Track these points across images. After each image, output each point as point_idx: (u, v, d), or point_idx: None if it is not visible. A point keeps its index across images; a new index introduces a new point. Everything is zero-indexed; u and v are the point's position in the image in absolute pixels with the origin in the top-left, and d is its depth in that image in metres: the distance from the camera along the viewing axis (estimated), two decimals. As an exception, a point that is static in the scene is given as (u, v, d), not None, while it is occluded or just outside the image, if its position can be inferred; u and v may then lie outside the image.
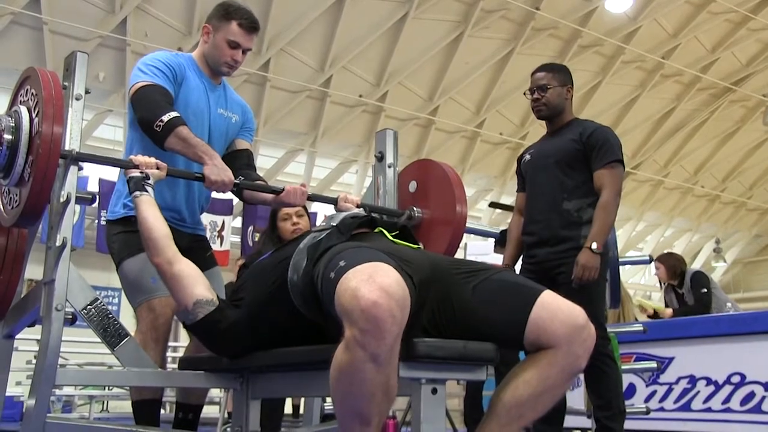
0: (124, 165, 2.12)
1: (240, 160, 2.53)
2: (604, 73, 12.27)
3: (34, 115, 1.74)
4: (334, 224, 1.77)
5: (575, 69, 12.83)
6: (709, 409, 4.15)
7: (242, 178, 2.34)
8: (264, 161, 11.49)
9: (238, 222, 11.02)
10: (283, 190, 2.40)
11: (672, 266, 5.58)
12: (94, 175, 8.40)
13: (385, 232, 1.83)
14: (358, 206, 2.40)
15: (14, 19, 8.61)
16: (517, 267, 3.21)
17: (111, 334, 2.01)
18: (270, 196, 2.46)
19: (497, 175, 13.23)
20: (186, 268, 1.92)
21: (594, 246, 2.81)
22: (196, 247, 2.46)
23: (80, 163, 1.94)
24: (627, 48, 11.73)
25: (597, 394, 2.92)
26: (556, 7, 10.74)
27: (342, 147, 11.97)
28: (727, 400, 4.08)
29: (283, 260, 1.76)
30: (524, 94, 3.20)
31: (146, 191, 2.04)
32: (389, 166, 2.55)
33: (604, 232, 2.85)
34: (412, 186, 2.55)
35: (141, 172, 2.06)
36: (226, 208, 10.88)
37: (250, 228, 10.55)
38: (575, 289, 2.77)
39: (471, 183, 13.20)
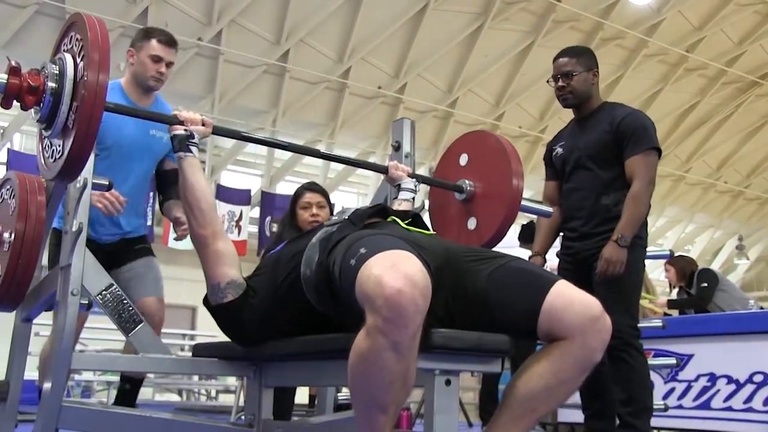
0: (166, 120, 1.98)
1: (169, 179, 2.86)
2: (626, 67, 12.14)
3: (79, 61, 1.66)
4: (346, 217, 1.76)
5: (597, 61, 12.59)
6: (729, 408, 4.09)
7: None
8: (282, 152, 11.50)
9: (255, 212, 11.06)
10: None
11: (681, 268, 5.57)
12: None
13: (398, 220, 1.82)
14: (410, 175, 2.32)
15: (39, 9, 8.69)
16: (549, 256, 3.13)
17: (125, 319, 2.01)
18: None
19: (516, 168, 13.13)
20: (227, 246, 1.85)
21: (621, 239, 2.70)
22: (123, 245, 2.82)
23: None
24: (650, 41, 11.59)
25: (621, 387, 2.76)
26: (578, -1, 10.65)
27: (360, 138, 11.96)
28: (749, 399, 4.02)
29: (297, 254, 1.76)
30: (547, 81, 3.04)
31: (191, 152, 1.89)
32: (406, 156, 2.51)
33: (632, 224, 2.73)
34: (464, 159, 2.41)
35: (185, 129, 1.91)
36: (243, 198, 10.93)
37: (268, 218, 10.59)
38: (610, 278, 2.68)
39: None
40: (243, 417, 2.15)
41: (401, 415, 3.68)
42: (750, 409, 4.00)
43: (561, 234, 3.11)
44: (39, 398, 2.10)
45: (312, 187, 3.31)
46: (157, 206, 3.15)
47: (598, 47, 11.52)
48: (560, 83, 2.94)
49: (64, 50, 1.77)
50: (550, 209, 2.80)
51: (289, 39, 9.96)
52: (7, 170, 8.36)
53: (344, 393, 3.19)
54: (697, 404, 4.27)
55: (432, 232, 1.85)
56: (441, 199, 2.47)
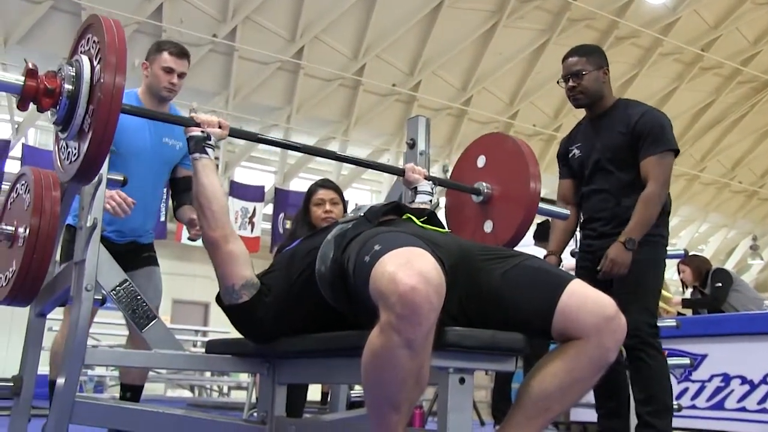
0: (183, 122, 1.99)
1: (181, 186, 2.96)
2: (641, 65, 12.07)
3: (95, 64, 1.66)
4: (361, 214, 1.76)
5: (611, 61, 12.64)
6: (743, 409, 4.06)
7: None
8: (296, 149, 11.52)
9: (269, 209, 11.08)
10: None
11: (697, 267, 5.53)
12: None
13: (413, 217, 1.81)
14: (426, 178, 2.30)
15: (54, 5, 8.75)
16: (564, 255, 3.09)
17: (139, 315, 2.01)
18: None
19: (530, 166, 13.09)
20: (239, 247, 1.84)
21: (629, 241, 2.65)
22: (132, 249, 2.88)
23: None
24: (665, 40, 11.51)
25: (640, 387, 2.71)
26: (593, -3, 10.59)
27: (374, 136, 11.95)
28: (763, 400, 3.99)
29: (311, 251, 1.75)
30: (558, 82, 2.99)
31: (206, 154, 1.89)
32: (420, 154, 2.50)
33: (642, 227, 2.68)
34: (481, 161, 2.40)
35: (202, 131, 1.91)
36: (257, 195, 10.96)
37: (281, 215, 10.61)
38: (627, 276, 2.65)
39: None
40: (255, 414, 2.15)
41: (414, 413, 3.67)
42: (764, 410, 3.97)
43: (576, 233, 3.08)
44: (50, 392, 2.10)
45: (325, 183, 3.31)
46: (170, 203, 3.18)
47: (613, 46, 11.47)
48: (570, 83, 2.89)
49: (81, 52, 1.77)
50: (566, 211, 2.78)
51: (303, 36, 9.97)
52: (21, 165, 8.42)
53: (357, 390, 3.19)
54: (710, 404, 4.24)
55: (447, 230, 1.85)
56: (457, 201, 2.46)
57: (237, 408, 6.86)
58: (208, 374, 8.34)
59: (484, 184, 2.34)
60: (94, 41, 1.71)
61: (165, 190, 3.16)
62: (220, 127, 1.94)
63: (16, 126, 9.61)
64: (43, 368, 2.55)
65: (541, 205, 2.30)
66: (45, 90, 1.67)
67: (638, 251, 2.69)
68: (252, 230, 10.59)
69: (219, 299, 1.86)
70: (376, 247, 1.44)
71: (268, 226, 10.94)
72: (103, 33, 1.65)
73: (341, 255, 1.62)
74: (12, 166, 9.15)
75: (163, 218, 9.04)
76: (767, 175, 15.70)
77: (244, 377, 7.58)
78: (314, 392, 6.55)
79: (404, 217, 1.83)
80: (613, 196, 2.83)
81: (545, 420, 1.53)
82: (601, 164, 2.86)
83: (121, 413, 2.00)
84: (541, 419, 1.52)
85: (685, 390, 4.35)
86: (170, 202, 3.19)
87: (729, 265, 15.38)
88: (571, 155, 3.01)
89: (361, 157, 12.98)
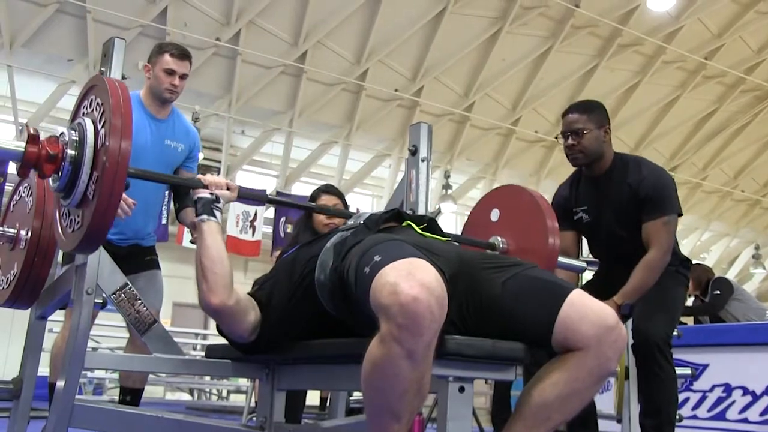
0: (191, 184, 1.93)
1: (182, 188, 2.96)
2: (643, 73, 12.07)
3: (99, 127, 1.60)
4: (361, 222, 1.76)
5: (614, 68, 12.66)
6: (745, 420, 4.04)
7: None
8: (298, 153, 11.54)
9: (270, 213, 11.08)
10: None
11: (698, 277, 5.53)
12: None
13: (413, 225, 1.81)
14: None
15: (60, 8, 8.77)
16: None
17: (140, 319, 2.01)
18: None
19: (531, 173, 13.10)
20: (240, 300, 1.77)
21: (623, 306, 2.53)
22: (134, 252, 2.90)
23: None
24: (668, 48, 11.51)
25: (647, 397, 2.67)
26: (596, 5, 10.59)
27: (376, 141, 11.95)
28: (766, 411, 3.97)
29: (311, 258, 1.75)
30: (555, 138, 2.83)
31: (214, 216, 1.83)
32: (422, 160, 2.50)
33: (639, 292, 2.58)
34: (495, 214, 2.37)
35: (210, 193, 1.86)
36: (259, 199, 10.93)
37: (282, 219, 10.60)
38: (655, 288, 2.60)
39: (504, 180, 13.09)
40: (254, 419, 2.15)
41: (413, 420, 3.66)
42: (766, 422, 3.95)
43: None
44: (49, 394, 2.10)
45: (329, 189, 3.31)
46: (172, 205, 3.18)
47: (616, 53, 11.49)
48: (570, 141, 2.73)
49: (83, 114, 1.70)
50: (584, 264, 2.72)
51: (307, 40, 9.98)
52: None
53: (356, 396, 3.18)
54: (711, 415, 4.22)
55: (447, 238, 1.84)
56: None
57: (236, 412, 6.85)
58: (207, 378, 8.33)
59: (499, 238, 2.30)
60: (98, 103, 1.65)
61: (166, 192, 3.17)
62: (228, 189, 1.89)
63: (20, 128, 9.62)
64: (43, 370, 2.55)
65: (560, 259, 2.26)
66: (47, 156, 1.60)
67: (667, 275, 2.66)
68: (253, 234, 10.57)
69: (221, 331, 1.85)
70: (376, 258, 1.44)
71: (269, 229, 10.93)
72: (107, 95, 1.59)
73: (341, 263, 1.62)
74: (14, 168, 9.16)
75: (164, 221, 9.04)
76: (770, 184, 15.69)
77: (243, 381, 7.57)
78: (312, 397, 6.54)
79: (404, 224, 1.82)
80: (623, 254, 2.74)
81: (546, 429, 1.53)
82: (611, 228, 2.77)
83: (121, 417, 2.00)
84: (541, 428, 1.52)
85: (686, 400, 4.33)
86: (172, 204, 3.20)
87: (731, 275, 15.36)
88: (577, 217, 2.87)
89: (363, 161, 12.94)
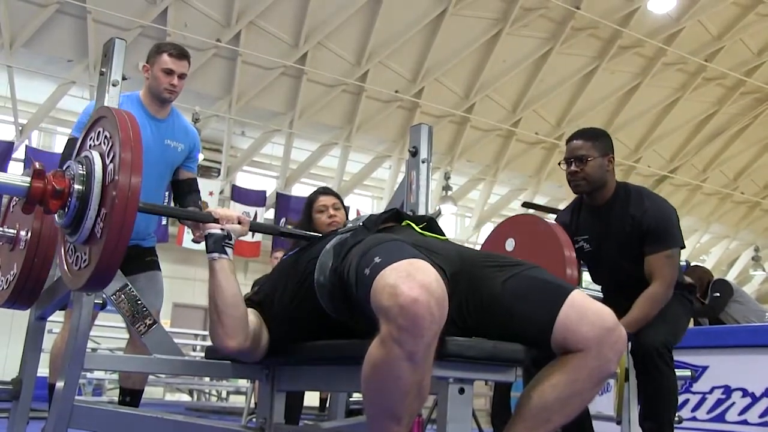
0: (202, 218, 1.86)
1: (183, 188, 3.02)
2: (644, 75, 12.08)
3: (108, 161, 1.52)
4: (360, 223, 1.76)
5: (615, 70, 12.65)
6: (745, 422, 4.04)
7: None
8: (298, 154, 11.54)
9: (270, 214, 11.08)
10: None
11: (698, 278, 5.51)
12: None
13: (412, 224, 1.80)
14: None
15: (60, 9, 8.78)
16: None
17: (140, 320, 2.01)
18: None
19: (531, 174, 13.10)
20: (253, 330, 1.77)
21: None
22: (134, 253, 2.86)
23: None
24: (669, 50, 11.52)
25: (646, 400, 2.67)
26: (597, 7, 10.60)
27: (376, 142, 11.95)
28: (765, 413, 3.96)
29: (311, 260, 1.74)
30: (559, 164, 2.82)
31: (226, 254, 1.77)
32: (423, 162, 2.50)
33: (639, 324, 2.58)
34: (510, 244, 2.37)
35: (221, 229, 1.80)
36: (258, 200, 10.96)
37: (283, 220, 10.60)
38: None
39: (505, 182, 13.11)
40: (254, 420, 2.15)
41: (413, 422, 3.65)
42: (766, 424, 3.95)
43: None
44: (49, 395, 2.09)
45: (325, 191, 3.31)
46: (172, 205, 3.18)
47: (617, 55, 11.49)
48: (573, 168, 2.69)
49: (90, 147, 1.63)
50: (599, 295, 2.73)
51: (307, 41, 9.98)
52: (24, 168, 8.42)
53: (356, 398, 3.18)
54: (711, 417, 4.22)
55: (446, 237, 1.84)
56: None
57: (235, 413, 6.85)
58: (207, 378, 8.32)
59: None
60: (106, 136, 1.58)
61: (167, 192, 3.16)
62: (240, 223, 1.85)
63: (20, 128, 9.62)
64: (43, 370, 2.55)
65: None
66: (53, 191, 1.54)
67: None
68: (253, 235, 10.58)
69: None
70: (377, 259, 1.43)
71: (269, 231, 10.94)
72: (116, 127, 1.52)
73: (341, 263, 1.61)
74: (15, 168, 9.16)
75: (164, 221, 9.04)
76: (770, 186, 15.69)
77: (243, 382, 7.56)
78: (312, 398, 6.54)
79: (403, 223, 1.82)
80: (626, 285, 2.73)
81: (545, 431, 1.53)
82: (613, 259, 2.76)
83: (120, 418, 2.00)
84: (541, 430, 1.52)
85: (686, 402, 4.33)
86: (172, 204, 3.19)
87: (731, 276, 15.34)
88: (578, 246, 2.83)
89: (363, 162, 12.91)
